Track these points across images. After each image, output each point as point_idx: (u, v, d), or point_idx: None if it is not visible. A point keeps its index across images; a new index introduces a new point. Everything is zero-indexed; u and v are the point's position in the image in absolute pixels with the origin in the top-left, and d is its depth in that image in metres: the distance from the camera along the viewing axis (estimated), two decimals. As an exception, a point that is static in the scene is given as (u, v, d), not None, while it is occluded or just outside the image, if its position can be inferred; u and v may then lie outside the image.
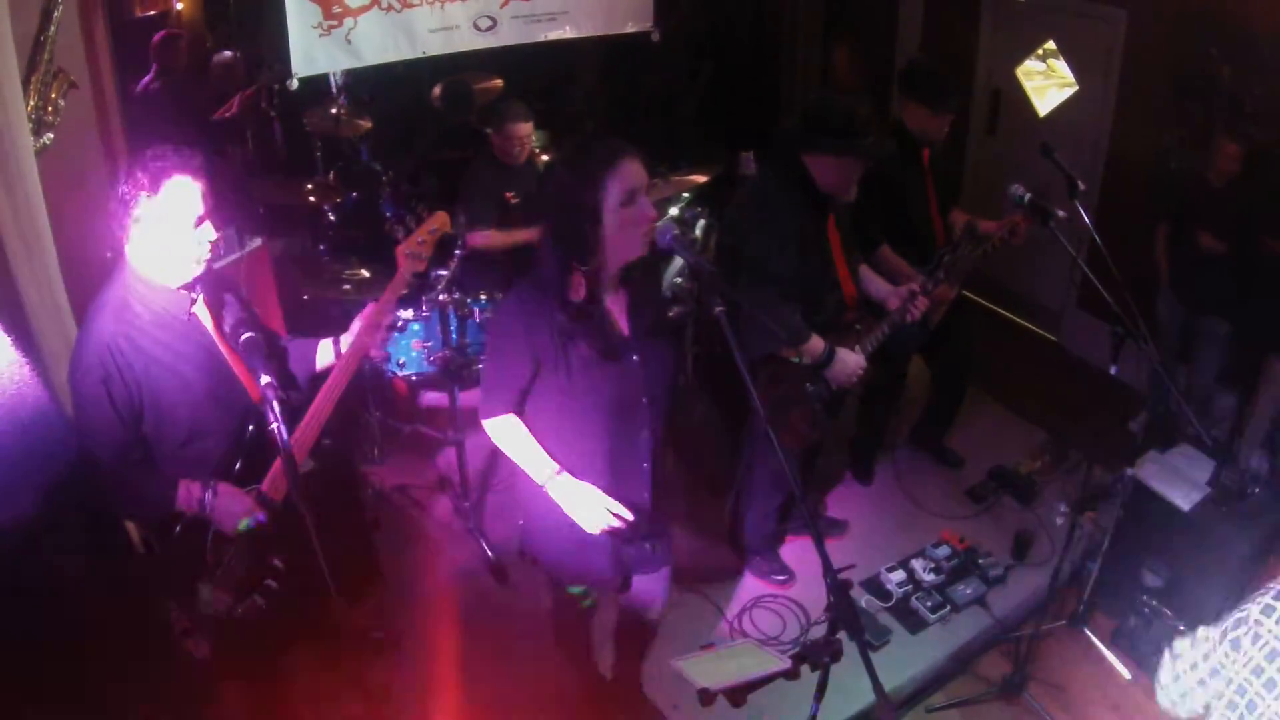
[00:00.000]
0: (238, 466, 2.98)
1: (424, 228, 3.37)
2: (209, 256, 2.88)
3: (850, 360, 3.79)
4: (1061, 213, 3.89)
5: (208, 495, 2.83)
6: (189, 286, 2.90)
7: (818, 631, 4.16)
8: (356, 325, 3.19)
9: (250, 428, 2.99)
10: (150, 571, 3.00)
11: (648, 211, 2.65)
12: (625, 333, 2.84)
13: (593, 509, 2.83)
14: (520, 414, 2.94)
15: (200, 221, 2.80)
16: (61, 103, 3.99)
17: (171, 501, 2.83)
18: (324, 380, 3.13)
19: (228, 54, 6.97)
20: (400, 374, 4.86)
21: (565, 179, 2.69)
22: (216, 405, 2.94)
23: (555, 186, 2.74)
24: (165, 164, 2.74)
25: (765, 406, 2.47)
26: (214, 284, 3.04)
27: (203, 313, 2.97)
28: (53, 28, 3.84)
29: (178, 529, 2.87)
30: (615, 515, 2.84)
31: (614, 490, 2.92)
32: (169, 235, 2.77)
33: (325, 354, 3.30)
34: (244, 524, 2.89)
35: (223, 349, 2.99)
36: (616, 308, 2.84)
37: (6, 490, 1.57)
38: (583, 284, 2.72)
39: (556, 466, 2.86)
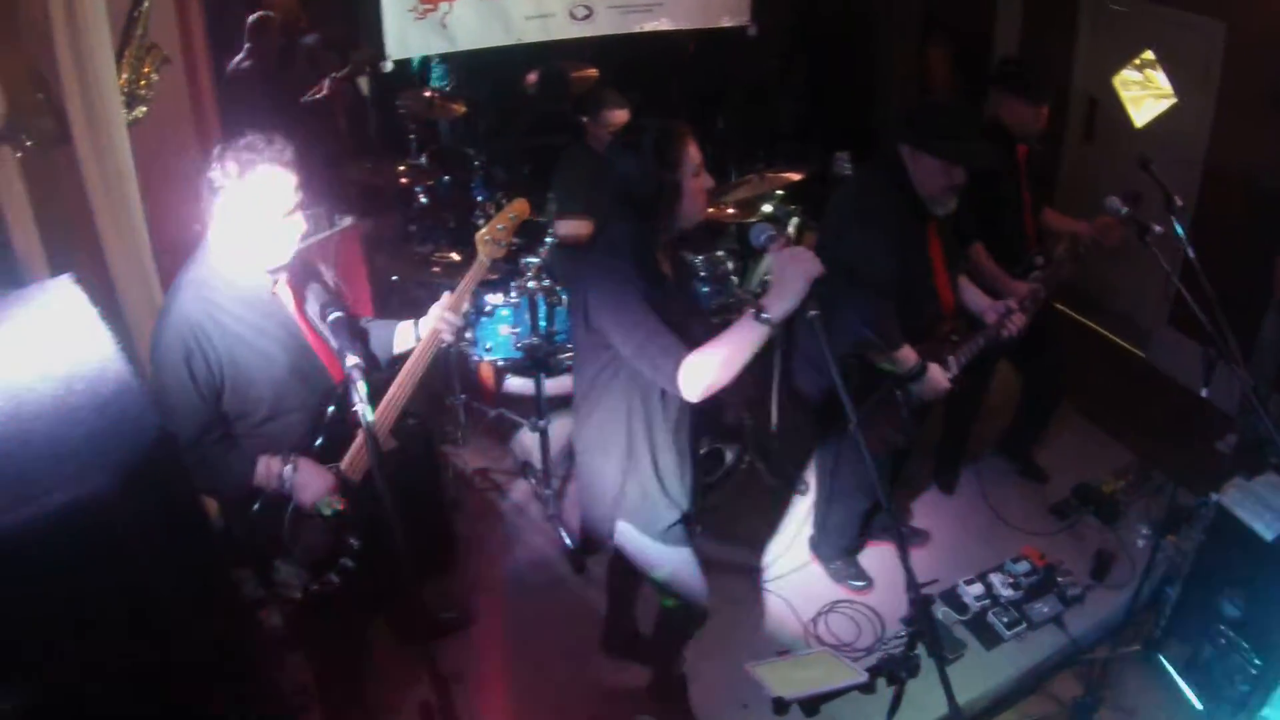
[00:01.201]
0: (318, 444, 3.00)
1: (503, 214, 3.36)
2: (294, 247, 2.90)
3: (939, 378, 3.78)
4: (1158, 228, 3.83)
5: (287, 470, 2.87)
6: (273, 269, 2.93)
7: (894, 644, 4.18)
8: (435, 310, 3.21)
9: (330, 408, 3.01)
10: (227, 547, 3.04)
11: (709, 180, 2.98)
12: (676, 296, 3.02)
13: (803, 265, 2.61)
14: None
15: (289, 213, 2.83)
16: (155, 77, 4.06)
17: (250, 477, 2.89)
18: (403, 362, 3.16)
19: (316, 36, 7.03)
20: (487, 358, 4.89)
21: (651, 164, 2.84)
22: (298, 383, 2.97)
23: (637, 172, 2.86)
24: (256, 155, 2.76)
25: (855, 411, 2.47)
26: (298, 264, 3.05)
27: (285, 293, 3.00)
28: (146, 3, 3.91)
29: (256, 506, 2.92)
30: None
31: (683, 460, 3.14)
32: (255, 225, 2.80)
33: (405, 336, 3.31)
34: (323, 504, 2.93)
35: (304, 329, 3.02)
36: (668, 271, 3.03)
37: (82, 468, 1.58)
38: (664, 258, 2.99)
39: (750, 314, 2.68)
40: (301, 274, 3.09)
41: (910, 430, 3.91)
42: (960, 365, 3.89)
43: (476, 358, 4.97)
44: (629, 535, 3.24)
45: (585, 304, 2.91)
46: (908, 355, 3.70)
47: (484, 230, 3.32)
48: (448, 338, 3.20)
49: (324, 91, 6.29)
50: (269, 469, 2.88)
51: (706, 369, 2.73)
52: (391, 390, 3.09)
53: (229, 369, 2.84)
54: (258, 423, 2.95)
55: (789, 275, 2.60)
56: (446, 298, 3.21)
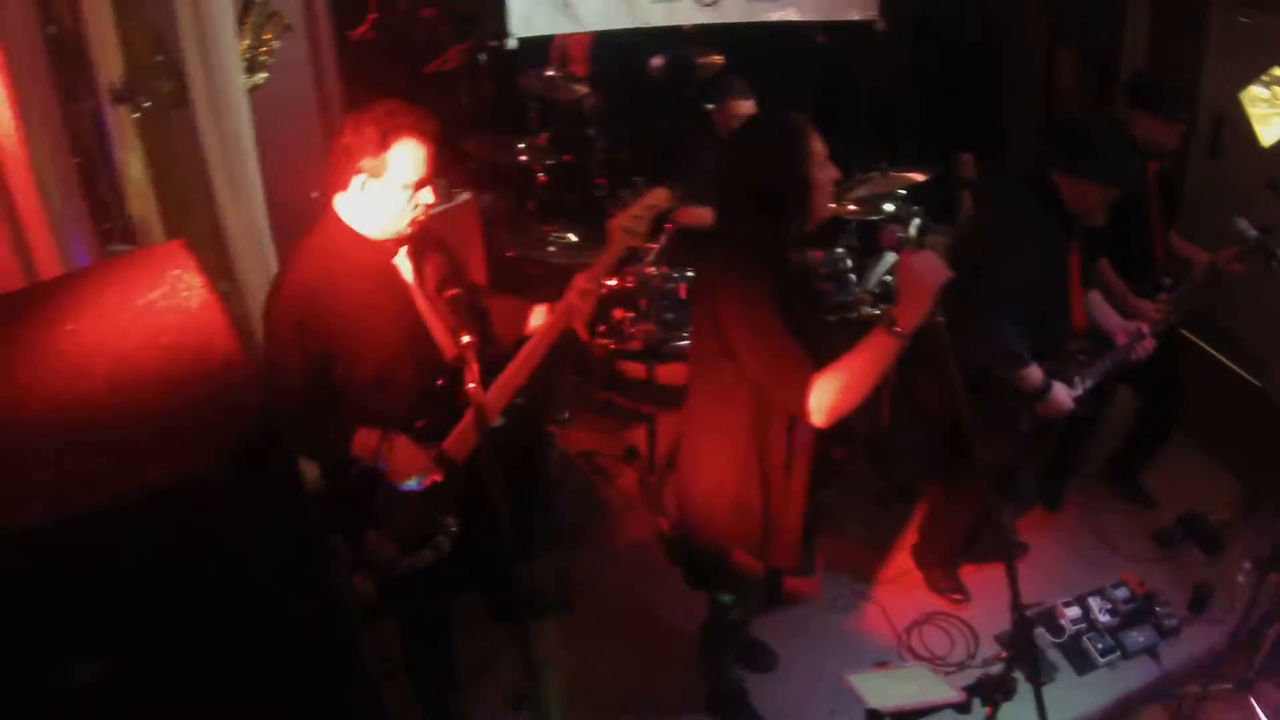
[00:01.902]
0: (420, 424, 3.00)
1: (642, 203, 3.24)
2: (421, 218, 2.91)
3: (1064, 397, 3.73)
4: None
5: (383, 446, 2.88)
6: (394, 240, 2.94)
7: (988, 663, 4.16)
8: (566, 296, 3.14)
9: (439, 383, 3.00)
10: (323, 513, 3.09)
11: (835, 171, 2.86)
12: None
13: (930, 275, 2.52)
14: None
15: (420, 185, 2.83)
16: (276, 44, 4.11)
17: (347, 447, 2.91)
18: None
19: (437, 10, 7.08)
20: (600, 341, 4.92)
21: (784, 154, 2.76)
22: (408, 358, 2.97)
23: (768, 165, 2.78)
24: (398, 122, 2.75)
25: (977, 424, 2.45)
26: (418, 237, 3.04)
27: (404, 264, 2.99)
28: (268, -31, 3.94)
29: (354, 472, 2.95)
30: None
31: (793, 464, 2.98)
32: (386, 193, 2.80)
33: (538, 318, 3.26)
34: (413, 481, 2.94)
35: (419, 302, 3.02)
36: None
37: (183, 443, 1.62)
38: (796, 254, 2.93)
39: (882, 326, 2.58)
40: (422, 247, 3.07)
41: (1029, 447, 3.90)
42: (1086, 385, 3.86)
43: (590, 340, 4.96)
44: None
45: (714, 308, 2.81)
46: (1033, 373, 3.66)
47: (620, 217, 3.21)
48: (575, 324, 3.17)
49: (452, 63, 6.34)
50: (365, 443, 2.90)
51: (837, 389, 2.59)
52: (508, 370, 3.07)
53: (339, 338, 2.88)
54: (364, 393, 2.96)
55: (919, 283, 2.49)
56: (578, 280, 3.15)
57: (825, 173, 2.81)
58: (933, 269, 2.48)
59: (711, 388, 2.97)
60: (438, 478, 2.97)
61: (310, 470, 4.17)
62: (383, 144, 2.75)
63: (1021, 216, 3.62)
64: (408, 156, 2.77)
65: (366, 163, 2.77)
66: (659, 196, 3.30)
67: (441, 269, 3.11)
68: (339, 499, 3.04)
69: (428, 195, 2.86)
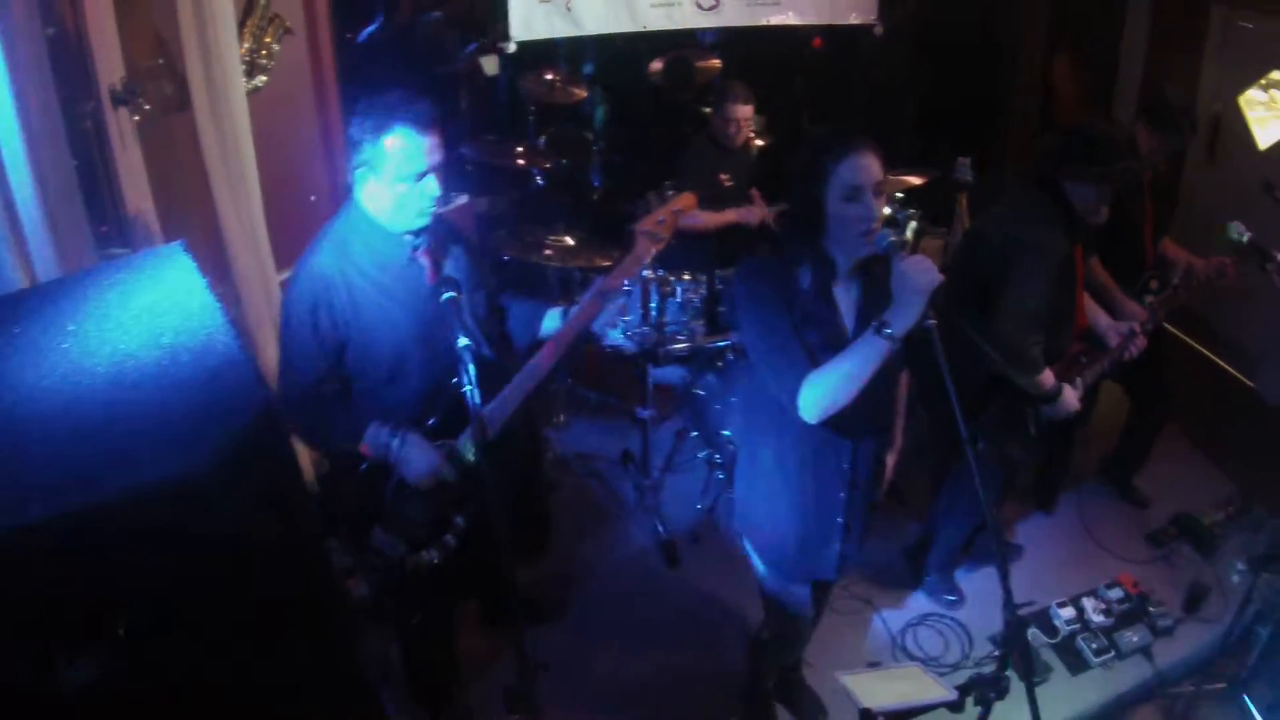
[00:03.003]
0: (433, 420, 3.00)
1: (667, 207, 3.22)
2: (433, 209, 2.90)
3: (1072, 399, 3.80)
4: None
5: (395, 442, 2.87)
6: (413, 233, 2.94)
7: (982, 662, 4.19)
8: (585, 299, 3.14)
9: (455, 379, 2.93)
10: (320, 512, 3.09)
11: (869, 211, 2.58)
12: (849, 327, 2.77)
13: (922, 276, 2.48)
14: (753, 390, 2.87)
15: (422, 176, 2.81)
16: (276, 48, 4.13)
17: (358, 439, 2.90)
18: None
19: (440, 14, 7.10)
20: (596, 344, 4.94)
21: (799, 165, 2.65)
22: (422, 352, 2.98)
23: (791, 176, 2.70)
24: (394, 113, 2.75)
25: (988, 427, 2.45)
26: (440, 232, 3.06)
27: (423, 260, 3.01)
28: (270, -27, 3.95)
29: (363, 466, 2.94)
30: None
31: (819, 489, 2.94)
32: (391, 184, 2.81)
33: (552, 322, 3.28)
34: (423, 479, 2.93)
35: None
36: (845, 300, 2.78)
37: (182, 442, 1.63)
38: (809, 272, 2.72)
39: (873, 327, 2.55)
40: (443, 242, 3.10)
41: (1036, 450, 3.94)
42: (1085, 386, 3.92)
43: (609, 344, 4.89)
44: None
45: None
46: (1047, 378, 3.71)
47: (643, 221, 3.20)
48: (594, 326, 3.17)
49: (462, 65, 6.36)
50: (377, 436, 2.89)
51: (825, 386, 2.59)
52: (521, 374, 3.05)
53: (354, 327, 2.89)
54: (376, 384, 2.99)
55: (910, 286, 2.46)
56: (599, 285, 3.13)
57: (855, 205, 2.58)
58: (925, 273, 2.45)
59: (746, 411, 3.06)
60: (451, 475, 2.97)
61: (309, 471, 4.23)
62: (379, 134, 2.76)
63: (1036, 225, 3.64)
64: (407, 147, 2.77)
65: (368, 154, 2.79)
66: (685, 201, 3.30)
67: (462, 267, 3.12)
68: (348, 494, 3.07)
69: (434, 187, 2.85)
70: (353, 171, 2.87)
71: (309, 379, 2.91)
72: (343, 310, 2.87)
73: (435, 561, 3.06)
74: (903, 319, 2.48)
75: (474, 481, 2.99)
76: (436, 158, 2.83)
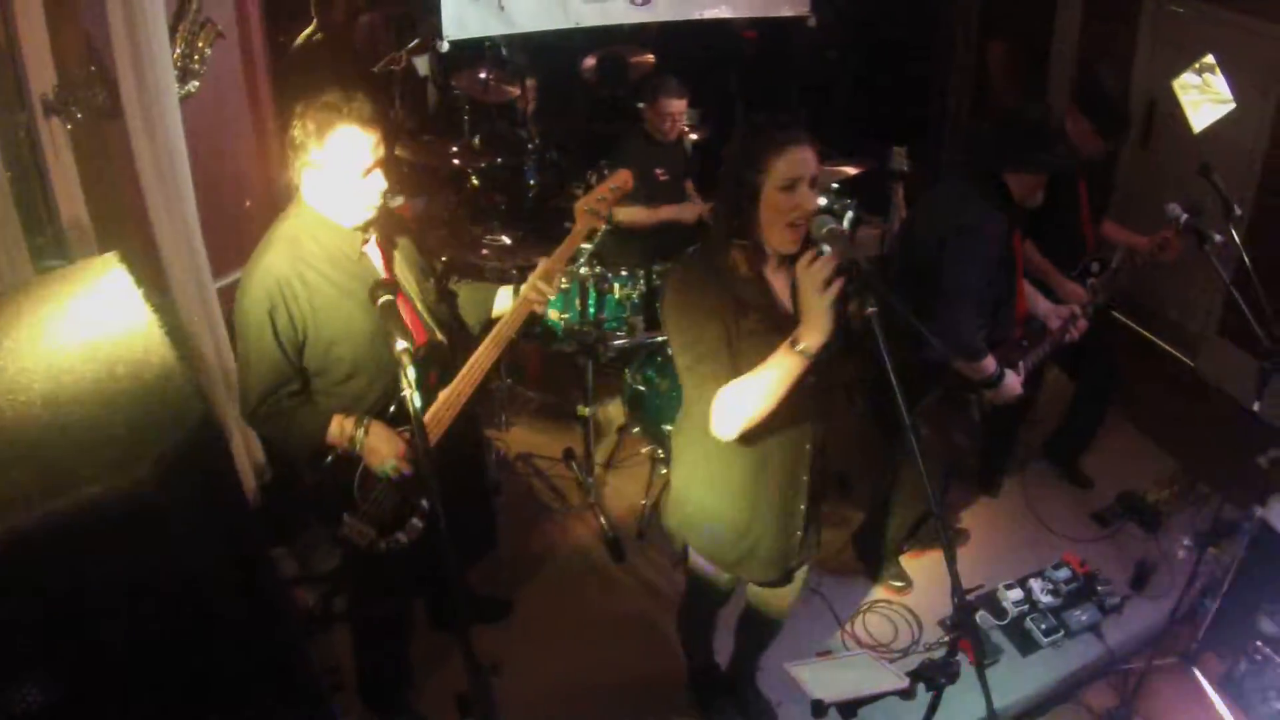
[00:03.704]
0: (393, 409, 3.03)
1: (604, 185, 3.35)
2: (379, 204, 2.92)
3: (1014, 384, 3.83)
4: (1218, 237, 3.80)
5: (359, 432, 2.92)
6: (362, 226, 2.96)
7: (932, 647, 4.20)
8: (532, 277, 3.23)
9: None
10: (264, 523, 3.06)
11: (805, 203, 2.58)
12: (788, 308, 2.76)
13: (819, 293, 2.46)
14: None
15: (368, 171, 2.83)
16: (208, 52, 4.07)
17: (322, 434, 2.94)
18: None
19: (373, 15, 7.03)
20: (534, 342, 4.91)
21: (737, 152, 2.65)
22: (379, 346, 2.97)
23: (726, 159, 2.69)
24: (334, 113, 2.77)
25: (927, 414, 2.43)
26: (389, 227, 3.09)
27: (374, 253, 3.03)
28: (201, -23, 3.90)
29: (329, 459, 2.99)
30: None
31: (775, 472, 2.91)
32: (337, 181, 2.83)
33: (503, 301, 3.36)
34: (389, 466, 2.96)
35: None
36: (779, 283, 2.78)
37: (123, 457, 1.58)
38: (742, 259, 2.71)
39: (784, 348, 2.54)
40: (391, 237, 3.12)
41: (979, 435, 3.95)
42: (1027, 370, 3.95)
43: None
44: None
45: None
46: (989, 363, 3.74)
47: (584, 200, 3.33)
48: (539, 307, 3.24)
49: (402, 64, 6.30)
50: (342, 428, 2.93)
51: (737, 402, 2.61)
52: (476, 354, 3.12)
53: (311, 325, 2.91)
54: (337, 381, 3.01)
55: (812, 299, 2.46)
56: (544, 263, 3.23)
57: (790, 195, 2.57)
58: (818, 286, 2.43)
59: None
60: (408, 472, 2.99)
61: (252, 481, 4.16)
62: (322, 134, 2.77)
63: (974, 212, 3.66)
64: (348, 144, 2.79)
65: (311, 153, 2.81)
66: (621, 178, 3.37)
67: (411, 261, 3.16)
68: (316, 485, 3.06)
69: (379, 181, 2.88)
70: (298, 172, 2.88)
71: (270, 381, 2.93)
72: (299, 308, 2.88)
73: (404, 542, 3.09)
74: (813, 334, 2.49)
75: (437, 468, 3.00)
76: (380, 152, 2.86)
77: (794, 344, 2.50)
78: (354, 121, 2.78)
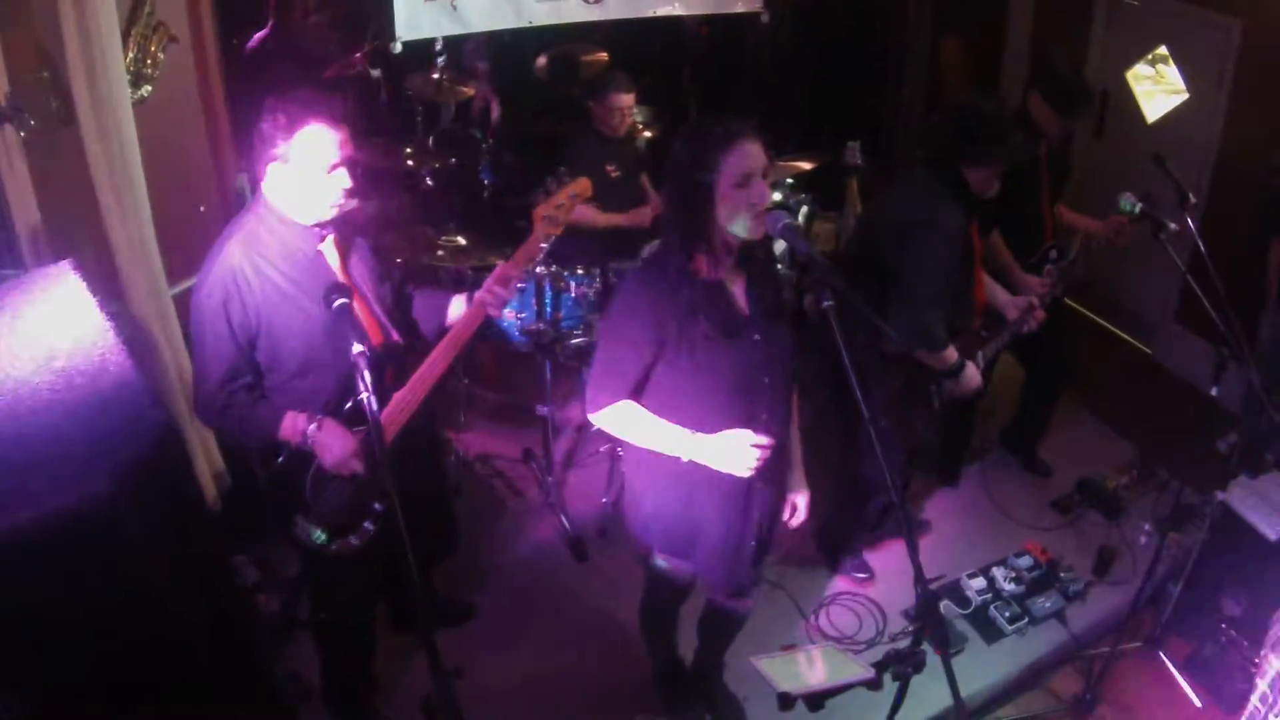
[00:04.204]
0: (347, 406, 2.99)
1: (564, 191, 3.34)
2: (341, 203, 2.91)
3: (974, 374, 3.84)
4: (1173, 225, 3.82)
5: (311, 428, 2.90)
6: (320, 224, 2.95)
7: (897, 638, 4.20)
8: (487, 284, 3.19)
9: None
10: (225, 530, 3.02)
11: (760, 196, 2.63)
12: (745, 311, 2.82)
13: (740, 454, 2.73)
14: (636, 399, 2.90)
15: (334, 168, 2.84)
16: (161, 56, 4.04)
17: (275, 428, 2.92)
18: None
19: (323, 16, 6.96)
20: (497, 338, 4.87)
21: (682, 155, 2.66)
22: (333, 344, 2.94)
23: (673, 163, 2.71)
24: (305, 108, 2.78)
25: (887, 405, 2.44)
26: (346, 226, 3.08)
27: (330, 252, 3.01)
28: (154, -19, 3.86)
29: (280, 459, 2.96)
30: (760, 446, 2.74)
31: (711, 484, 2.93)
32: (301, 178, 2.83)
33: (458, 308, 3.31)
34: (341, 463, 2.93)
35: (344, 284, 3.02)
36: (736, 286, 2.83)
37: (84, 470, 1.55)
38: (703, 261, 2.74)
39: (687, 431, 2.78)
40: (349, 235, 3.12)
41: (939, 426, 3.96)
42: (987, 359, 3.97)
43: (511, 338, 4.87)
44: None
45: None
46: (950, 354, 3.75)
47: (542, 206, 3.31)
48: (494, 312, 3.21)
49: (358, 67, 6.25)
50: (294, 425, 2.91)
51: (622, 426, 2.88)
52: (429, 359, 3.10)
53: (265, 320, 2.90)
54: (289, 377, 3.00)
55: (729, 454, 2.73)
56: (499, 270, 3.20)
57: (745, 191, 2.62)
58: (745, 468, 2.74)
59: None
60: (359, 469, 2.97)
61: (213, 489, 4.11)
62: (291, 129, 2.78)
63: (931, 204, 3.67)
64: (317, 141, 2.79)
65: (279, 148, 2.80)
66: (580, 186, 3.39)
67: (365, 261, 3.16)
68: (269, 485, 3.06)
69: (344, 179, 2.87)
70: (263, 166, 2.86)
71: (223, 373, 2.91)
72: (253, 303, 2.87)
73: (357, 545, 3.06)
74: (709, 457, 2.77)
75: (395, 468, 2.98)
76: (347, 150, 2.86)
77: (693, 440, 2.76)
78: (324, 117, 2.80)
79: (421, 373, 3.10)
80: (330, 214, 2.92)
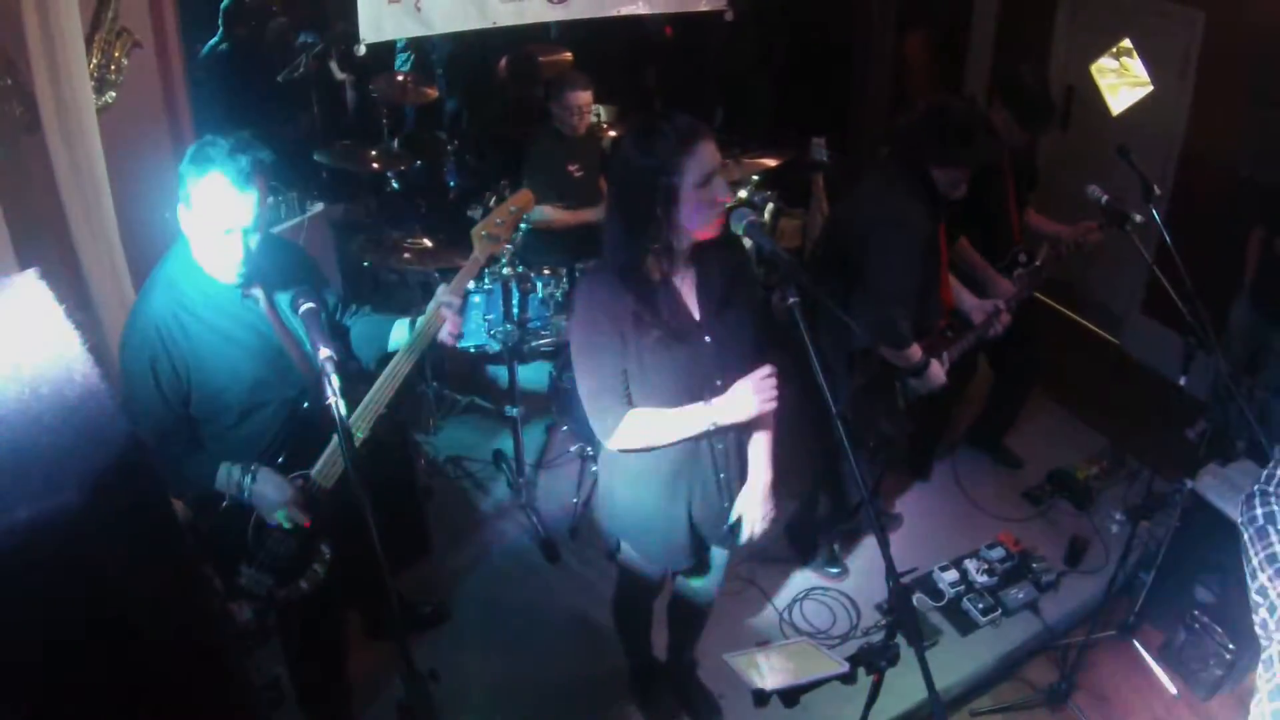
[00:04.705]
0: (285, 451, 2.89)
1: (503, 208, 3.18)
2: (236, 269, 2.68)
3: (938, 373, 3.85)
4: (1139, 217, 3.83)
5: (246, 480, 2.76)
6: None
7: (871, 632, 4.19)
8: (430, 308, 3.02)
9: (305, 405, 2.87)
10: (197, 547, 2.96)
11: (721, 194, 2.60)
12: (695, 313, 2.78)
13: (753, 395, 2.70)
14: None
15: (228, 233, 2.60)
16: (125, 62, 3.97)
17: (211, 483, 2.78)
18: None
19: (285, 20, 6.93)
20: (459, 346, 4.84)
21: (639, 159, 2.58)
22: (268, 389, 2.84)
23: (626, 166, 2.64)
24: (215, 157, 2.54)
25: (855, 401, 2.44)
26: (271, 259, 2.84)
27: (257, 294, 2.84)
28: (117, -14, 3.79)
29: (222, 505, 2.82)
30: (766, 377, 2.73)
31: (686, 473, 2.92)
32: (199, 228, 2.62)
33: (400, 333, 3.11)
34: (281, 515, 2.81)
35: (276, 329, 2.87)
36: (685, 288, 2.78)
37: (50, 480, 1.52)
38: (655, 265, 2.68)
39: (702, 404, 2.74)
40: (279, 264, 2.91)
41: (905, 423, 3.97)
42: (951, 360, 3.97)
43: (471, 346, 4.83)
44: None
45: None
46: (915, 353, 3.76)
47: (481, 225, 3.15)
48: (446, 336, 3.04)
49: (301, 69, 6.21)
50: (229, 477, 2.77)
51: (645, 432, 2.78)
52: (374, 389, 2.93)
53: (195, 374, 2.73)
54: (228, 426, 2.85)
55: (745, 401, 2.70)
56: (443, 289, 3.02)
57: (706, 190, 2.57)
58: (764, 392, 2.69)
59: None
60: (305, 522, 2.84)
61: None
62: (199, 175, 2.55)
63: (899, 204, 3.67)
64: (216, 197, 2.55)
65: (187, 189, 2.58)
66: (521, 200, 3.26)
67: (299, 282, 2.87)
68: (210, 533, 2.90)
69: (237, 248, 2.63)
70: (180, 203, 2.63)
71: (156, 431, 2.76)
72: (181, 358, 2.70)
73: (306, 590, 2.97)
74: (729, 417, 2.74)
75: (339, 497, 2.90)
76: (245, 219, 2.60)
77: (711, 407, 2.72)
78: (227, 173, 2.53)
79: (365, 405, 2.91)
80: (228, 279, 2.71)
